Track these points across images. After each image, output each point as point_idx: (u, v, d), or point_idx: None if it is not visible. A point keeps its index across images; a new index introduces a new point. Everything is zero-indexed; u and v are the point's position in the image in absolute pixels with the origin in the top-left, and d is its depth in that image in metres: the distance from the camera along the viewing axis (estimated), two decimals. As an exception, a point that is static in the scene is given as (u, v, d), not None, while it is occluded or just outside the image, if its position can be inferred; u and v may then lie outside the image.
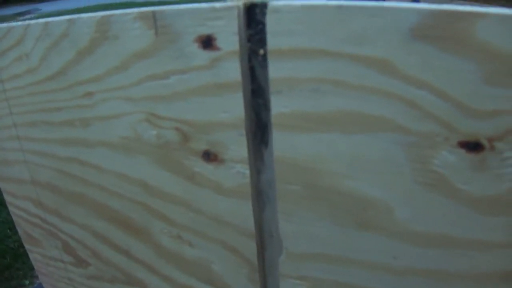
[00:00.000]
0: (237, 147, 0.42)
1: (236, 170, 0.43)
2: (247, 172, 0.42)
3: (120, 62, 0.45)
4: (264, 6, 0.36)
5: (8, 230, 2.28)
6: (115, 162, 0.53)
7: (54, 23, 0.50)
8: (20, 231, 0.80)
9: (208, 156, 0.44)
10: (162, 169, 0.48)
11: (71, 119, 0.54)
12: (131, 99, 0.47)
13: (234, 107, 0.40)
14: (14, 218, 0.79)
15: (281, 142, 0.39)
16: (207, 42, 0.39)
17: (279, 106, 0.38)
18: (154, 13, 0.41)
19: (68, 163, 0.59)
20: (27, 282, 1.98)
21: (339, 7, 0.33)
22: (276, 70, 0.37)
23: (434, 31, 0.30)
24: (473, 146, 0.32)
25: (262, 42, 0.37)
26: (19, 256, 2.11)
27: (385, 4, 0.31)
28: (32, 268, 1.91)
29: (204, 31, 0.39)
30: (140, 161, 0.50)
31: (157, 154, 0.48)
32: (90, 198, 0.59)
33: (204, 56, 0.39)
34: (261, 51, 0.37)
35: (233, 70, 0.38)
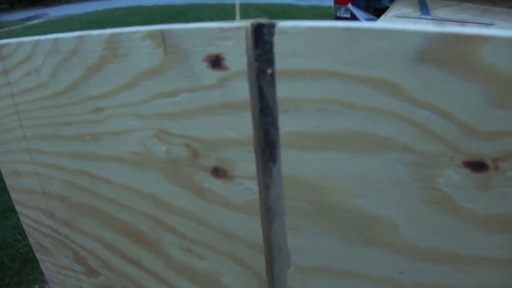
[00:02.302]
0: (246, 163, 0.42)
1: (245, 186, 0.43)
2: (256, 188, 0.43)
3: (129, 79, 0.46)
4: (272, 26, 0.36)
5: (18, 235, 2.30)
6: (125, 176, 0.53)
7: (63, 40, 0.50)
8: (31, 240, 0.81)
9: (218, 172, 0.44)
10: (172, 184, 0.49)
11: (81, 133, 0.55)
12: (140, 116, 0.47)
13: (243, 125, 0.41)
14: (25, 227, 0.80)
15: (289, 159, 0.40)
16: (216, 62, 0.39)
17: (287, 125, 0.39)
18: (162, 32, 0.42)
19: (78, 175, 0.60)
20: (36, 287, 2.00)
21: (346, 29, 0.33)
22: (283, 90, 0.38)
23: (440, 54, 0.31)
24: (477, 166, 0.32)
25: (270, 61, 0.37)
26: (29, 261, 2.12)
27: (392, 27, 0.32)
28: (41, 273, 1.92)
29: (213, 51, 0.39)
30: (150, 175, 0.50)
31: (167, 169, 0.49)
32: (101, 210, 0.60)
33: (213, 75, 0.40)
34: (269, 71, 0.38)
35: (241, 89, 0.39)
